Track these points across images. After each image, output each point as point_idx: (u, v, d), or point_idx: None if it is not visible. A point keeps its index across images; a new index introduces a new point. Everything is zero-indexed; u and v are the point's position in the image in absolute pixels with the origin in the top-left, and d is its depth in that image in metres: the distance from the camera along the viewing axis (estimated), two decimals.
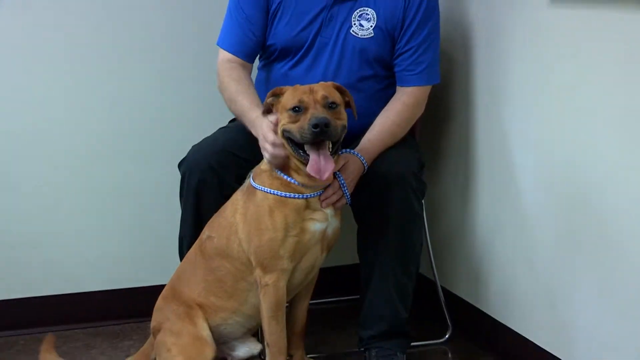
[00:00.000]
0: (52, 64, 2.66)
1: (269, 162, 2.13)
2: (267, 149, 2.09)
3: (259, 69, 2.50)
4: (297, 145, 2.03)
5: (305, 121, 1.98)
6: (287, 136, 2.04)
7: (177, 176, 2.31)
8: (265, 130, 2.10)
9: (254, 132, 2.21)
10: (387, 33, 2.33)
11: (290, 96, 2.05)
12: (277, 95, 2.11)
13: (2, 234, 2.71)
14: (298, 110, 2.01)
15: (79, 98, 2.69)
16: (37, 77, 2.66)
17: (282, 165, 2.09)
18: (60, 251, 2.77)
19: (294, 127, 2.01)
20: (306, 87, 2.06)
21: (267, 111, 2.14)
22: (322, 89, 2.04)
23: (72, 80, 2.69)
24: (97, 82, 2.71)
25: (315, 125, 1.94)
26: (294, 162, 2.06)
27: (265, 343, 2.17)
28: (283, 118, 2.05)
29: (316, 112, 1.98)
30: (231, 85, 2.32)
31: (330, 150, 2.03)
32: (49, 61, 2.66)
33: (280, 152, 2.07)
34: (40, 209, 2.73)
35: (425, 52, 2.34)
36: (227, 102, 2.35)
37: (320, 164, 1.99)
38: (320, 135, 1.96)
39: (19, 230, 2.72)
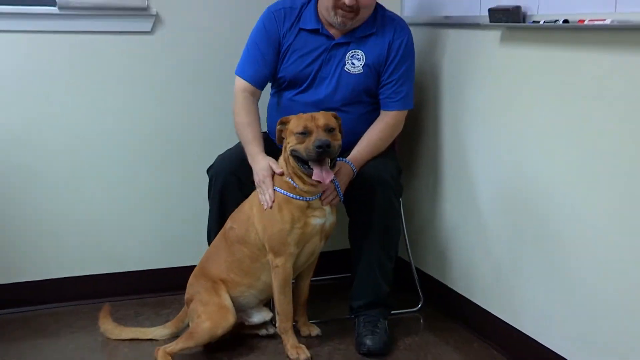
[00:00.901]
0: (110, 89, 2.84)
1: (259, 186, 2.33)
2: (265, 192, 2.29)
3: (271, 95, 2.68)
4: (302, 161, 2.24)
5: (310, 143, 2.18)
6: (295, 154, 2.24)
7: (206, 180, 2.55)
8: (268, 184, 2.30)
9: (250, 162, 2.39)
10: (374, 69, 2.52)
11: (296, 123, 2.24)
12: (284, 123, 2.30)
13: (69, 225, 2.89)
14: (304, 134, 2.21)
15: (126, 119, 2.89)
16: (94, 100, 2.84)
17: (291, 173, 2.28)
18: (115, 239, 2.96)
19: (300, 147, 2.21)
20: (309, 115, 2.25)
21: (279, 139, 2.33)
22: (323, 117, 2.24)
23: (121, 104, 2.88)
24: (145, 108, 2.91)
25: (319, 147, 2.16)
26: (299, 172, 2.26)
27: (276, 311, 2.39)
28: (291, 140, 2.25)
29: (319, 136, 2.18)
30: (242, 115, 2.48)
31: (329, 164, 2.23)
32: (110, 87, 2.84)
33: (272, 195, 2.27)
34: (100, 206, 2.92)
35: (403, 84, 2.52)
36: (235, 126, 2.50)
37: (322, 174, 2.20)
38: (322, 155, 2.17)
39: (84, 223, 2.91)
